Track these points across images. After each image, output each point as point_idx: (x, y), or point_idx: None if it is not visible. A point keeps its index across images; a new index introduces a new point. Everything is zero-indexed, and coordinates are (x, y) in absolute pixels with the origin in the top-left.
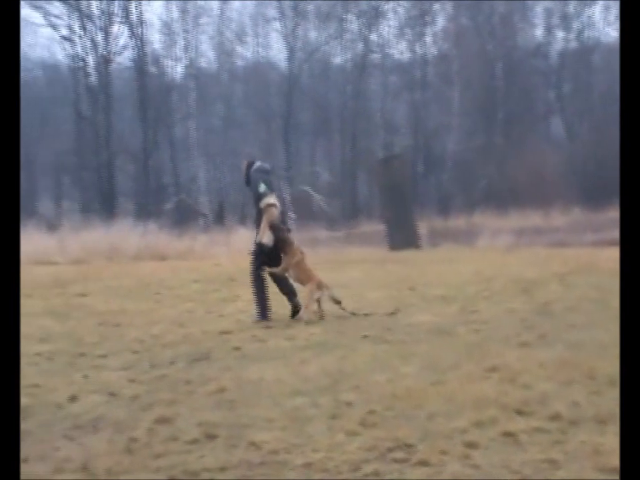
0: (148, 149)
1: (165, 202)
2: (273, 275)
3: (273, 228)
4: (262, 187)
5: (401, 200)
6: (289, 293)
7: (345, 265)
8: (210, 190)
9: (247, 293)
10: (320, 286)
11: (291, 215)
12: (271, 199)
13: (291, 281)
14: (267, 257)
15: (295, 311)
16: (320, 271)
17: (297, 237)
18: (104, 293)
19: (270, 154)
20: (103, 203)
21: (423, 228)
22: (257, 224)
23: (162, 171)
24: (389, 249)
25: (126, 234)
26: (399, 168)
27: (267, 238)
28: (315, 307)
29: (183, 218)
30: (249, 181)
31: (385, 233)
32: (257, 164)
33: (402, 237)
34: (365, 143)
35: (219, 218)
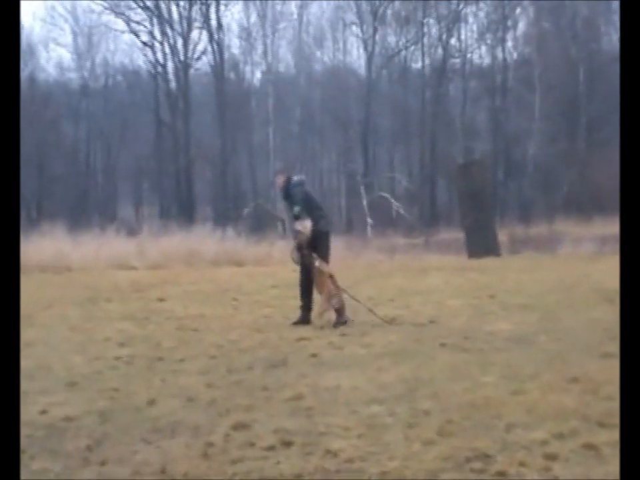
0: (226, 154)
1: (242, 207)
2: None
3: (298, 248)
4: (296, 210)
5: (480, 206)
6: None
7: (423, 272)
8: None
9: None
10: (330, 296)
11: (369, 220)
12: (300, 226)
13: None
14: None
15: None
16: (398, 279)
17: (374, 243)
18: (182, 298)
19: (348, 159)
20: (181, 208)
21: (503, 235)
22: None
23: (240, 177)
24: (468, 257)
25: (204, 239)
26: (479, 174)
27: (295, 256)
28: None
29: (261, 223)
30: (288, 196)
31: (464, 240)
32: (295, 179)
33: (482, 244)
34: (444, 149)
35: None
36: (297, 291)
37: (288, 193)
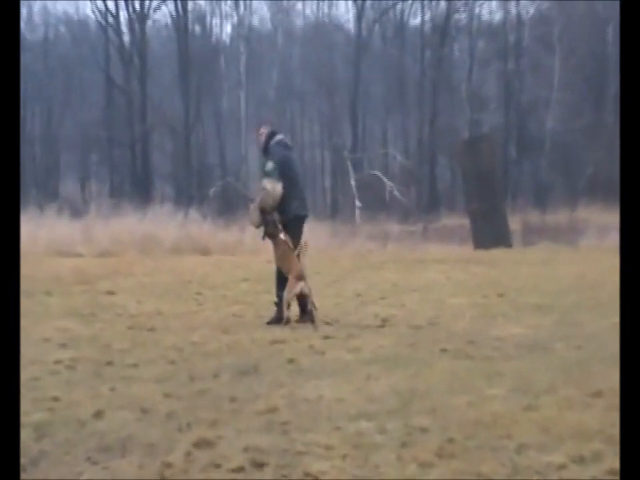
0: (189, 122)
1: (209, 186)
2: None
3: (262, 213)
4: (269, 165)
5: (489, 189)
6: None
7: (421, 265)
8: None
9: None
10: (299, 277)
11: (357, 203)
12: (269, 184)
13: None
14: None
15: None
16: (390, 272)
17: (364, 230)
18: (136, 292)
19: (333, 131)
20: (135, 186)
21: (515, 223)
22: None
23: (206, 150)
24: (474, 247)
25: (163, 222)
26: (487, 151)
27: (252, 217)
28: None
29: (230, 205)
30: (267, 153)
31: (469, 228)
32: (278, 137)
33: (490, 233)
34: (447, 121)
35: None
36: (271, 285)
37: (268, 150)
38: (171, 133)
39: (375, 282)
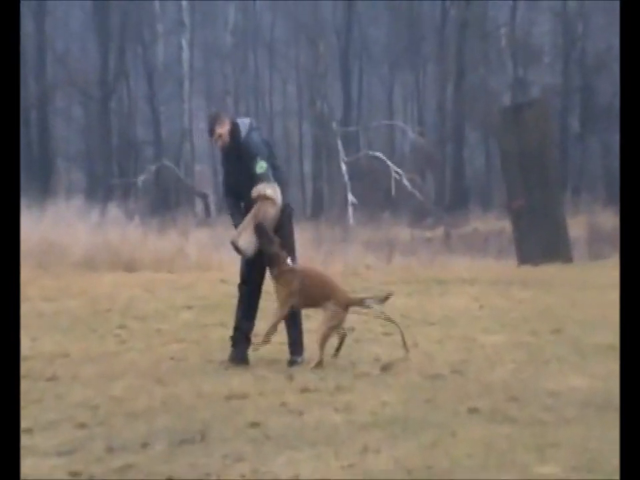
0: (109, 81)
1: (137, 172)
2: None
3: (260, 232)
4: (261, 166)
5: (540, 178)
6: (294, 324)
7: (441, 286)
8: (213, 154)
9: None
10: (347, 305)
11: (351, 197)
12: (269, 189)
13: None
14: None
15: (294, 360)
16: (397, 297)
17: (359, 235)
18: (31, 324)
19: (317, 94)
20: (30, 170)
21: (577, 227)
22: (239, 216)
23: (133, 120)
24: (518, 262)
25: (70, 224)
26: (538, 124)
27: (246, 241)
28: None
29: (168, 199)
30: (242, 150)
31: (511, 235)
32: (247, 121)
33: (541, 241)
34: (480, 81)
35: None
36: (224, 314)
37: (241, 147)
38: (82, 96)
39: None
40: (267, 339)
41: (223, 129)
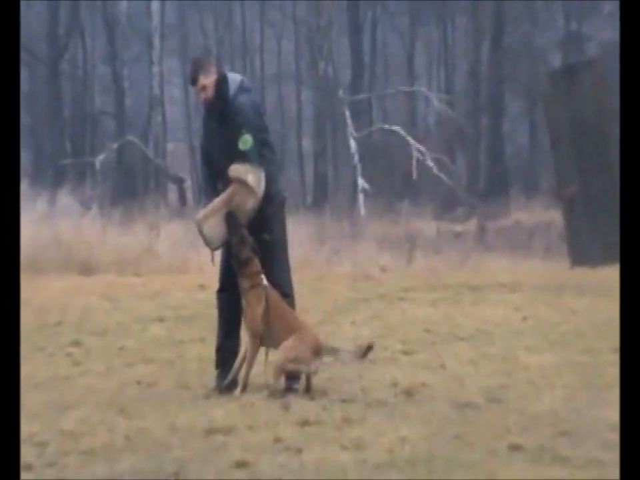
0: (58, 38)
1: (95, 151)
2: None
3: (230, 225)
4: (246, 140)
5: (598, 160)
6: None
7: (475, 293)
8: (190, 128)
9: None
10: (317, 348)
11: (361, 182)
12: (251, 175)
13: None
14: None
15: (290, 386)
16: (420, 306)
17: (372, 230)
18: None
19: (319, 53)
20: None
21: None
22: (212, 193)
23: (89, 86)
24: (571, 264)
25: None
26: (595, 90)
27: (212, 227)
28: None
29: (134, 185)
30: (226, 112)
31: (562, 229)
32: (237, 78)
33: (599, 236)
34: (521, 36)
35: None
36: (203, 328)
37: (226, 109)
38: (26, 55)
39: (392, 324)
40: (245, 383)
41: (208, 80)
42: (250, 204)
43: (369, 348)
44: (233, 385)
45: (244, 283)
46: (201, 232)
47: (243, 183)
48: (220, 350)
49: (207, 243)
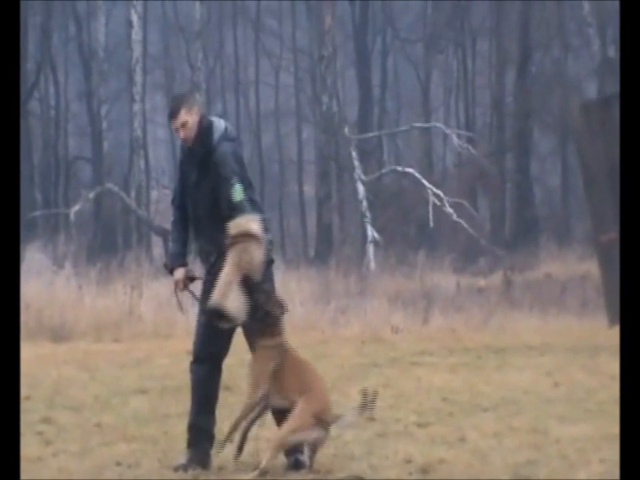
0: (26, 73)
1: (67, 200)
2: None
3: (251, 286)
4: (238, 191)
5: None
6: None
7: (499, 356)
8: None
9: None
10: (321, 416)
11: (371, 232)
12: (253, 224)
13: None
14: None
15: (295, 459)
16: (437, 372)
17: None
18: None
19: (322, 86)
20: None
21: None
22: (211, 261)
23: (60, 128)
24: (609, 321)
25: None
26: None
27: (235, 303)
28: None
29: (111, 238)
30: (209, 156)
31: (599, 282)
32: (222, 124)
33: None
34: (552, 64)
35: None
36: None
37: (210, 156)
38: None
39: (405, 392)
40: (231, 435)
41: (191, 118)
42: (259, 256)
43: (374, 396)
44: (206, 464)
45: (265, 342)
46: (225, 314)
47: (247, 235)
48: (192, 428)
49: (235, 320)
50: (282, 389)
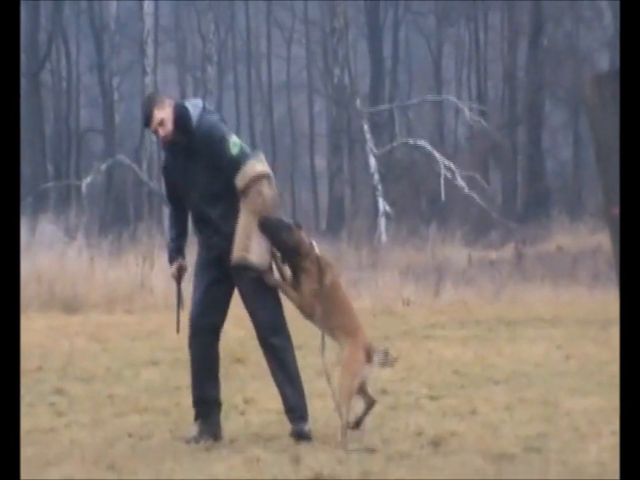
0: (38, 45)
1: (79, 172)
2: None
3: (272, 226)
4: (234, 143)
5: None
6: (290, 379)
7: (511, 329)
8: None
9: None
10: (369, 352)
11: (383, 205)
12: (258, 164)
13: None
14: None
15: (299, 429)
16: (449, 344)
17: (394, 258)
18: None
19: (333, 59)
20: None
21: None
22: (212, 224)
23: (72, 100)
24: (621, 294)
25: None
26: None
27: (258, 253)
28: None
29: (123, 210)
30: (194, 139)
31: (611, 254)
32: (198, 103)
33: None
34: (564, 36)
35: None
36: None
37: (195, 138)
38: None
39: (417, 365)
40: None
41: (165, 112)
42: (271, 193)
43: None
44: (217, 436)
45: (302, 263)
46: (249, 267)
47: (255, 179)
48: (200, 401)
49: (261, 268)
50: (330, 319)
